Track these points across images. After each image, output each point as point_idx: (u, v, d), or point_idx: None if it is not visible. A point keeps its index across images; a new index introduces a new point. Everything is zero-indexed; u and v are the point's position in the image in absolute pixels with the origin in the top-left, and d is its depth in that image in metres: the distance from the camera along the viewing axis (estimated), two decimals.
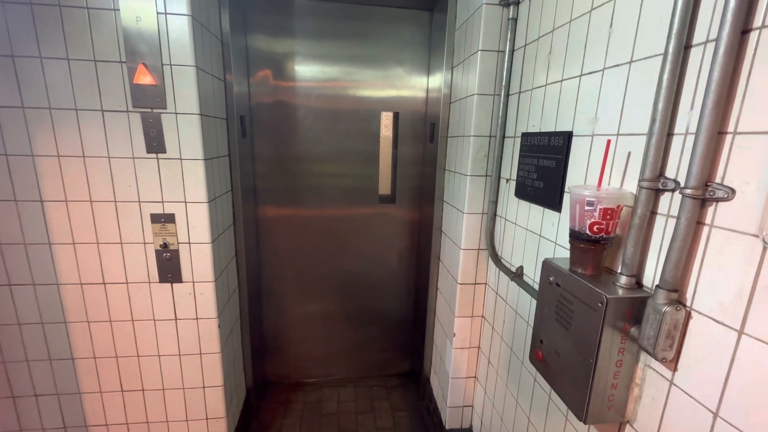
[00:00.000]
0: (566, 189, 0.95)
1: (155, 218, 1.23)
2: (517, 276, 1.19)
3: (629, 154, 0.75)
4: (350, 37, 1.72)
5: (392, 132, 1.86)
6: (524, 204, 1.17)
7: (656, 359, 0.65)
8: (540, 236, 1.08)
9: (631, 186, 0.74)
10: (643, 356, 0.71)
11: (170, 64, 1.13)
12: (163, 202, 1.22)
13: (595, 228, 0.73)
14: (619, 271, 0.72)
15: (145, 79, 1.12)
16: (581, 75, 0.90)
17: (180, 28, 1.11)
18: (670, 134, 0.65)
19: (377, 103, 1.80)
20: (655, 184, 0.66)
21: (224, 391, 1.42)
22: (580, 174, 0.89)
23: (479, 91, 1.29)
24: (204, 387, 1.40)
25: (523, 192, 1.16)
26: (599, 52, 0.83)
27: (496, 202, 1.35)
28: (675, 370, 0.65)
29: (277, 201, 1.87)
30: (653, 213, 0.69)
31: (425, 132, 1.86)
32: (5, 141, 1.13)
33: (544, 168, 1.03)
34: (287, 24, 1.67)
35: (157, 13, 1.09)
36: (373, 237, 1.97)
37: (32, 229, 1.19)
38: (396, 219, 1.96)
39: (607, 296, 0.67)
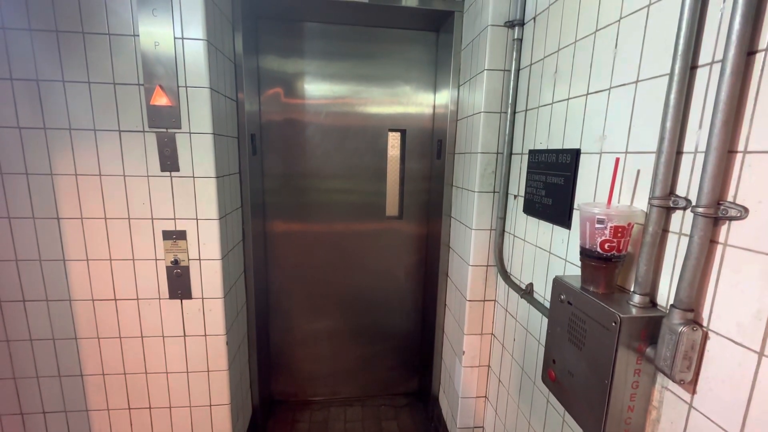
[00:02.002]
0: (575, 206, 0.95)
1: (167, 235, 1.25)
2: (527, 293, 1.18)
3: (638, 171, 0.75)
4: (358, 57, 1.76)
5: (399, 150, 1.89)
6: (533, 220, 1.17)
7: (674, 381, 0.63)
8: (550, 253, 1.07)
9: (642, 203, 0.74)
10: (660, 378, 0.69)
11: (186, 86, 1.17)
12: (175, 219, 1.24)
13: (606, 246, 0.73)
14: (632, 289, 0.72)
15: (161, 100, 1.16)
16: (587, 94, 0.91)
17: (196, 52, 1.15)
18: (679, 152, 0.66)
19: (385, 121, 1.83)
20: (666, 202, 0.66)
21: (231, 410, 1.40)
22: (589, 191, 0.89)
23: (486, 109, 1.31)
24: (211, 405, 1.38)
25: (531, 208, 1.16)
26: (605, 71, 0.84)
27: (504, 218, 1.35)
28: (694, 392, 0.63)
29: (286, 217, 1.89)
30: (665, 231, 0.68)
31: (432, 149, 1.88)
32: (27, 161, 1.17)
33: (552, 185, 1.03)
34: (297, 46, 1.73)
35: (175, 38, 1.14)
36: (381, 253, 1.97)
37: (48, 245, 1.22)
38: (403, 235, 1.96)
39: (621, 315, 0.66)
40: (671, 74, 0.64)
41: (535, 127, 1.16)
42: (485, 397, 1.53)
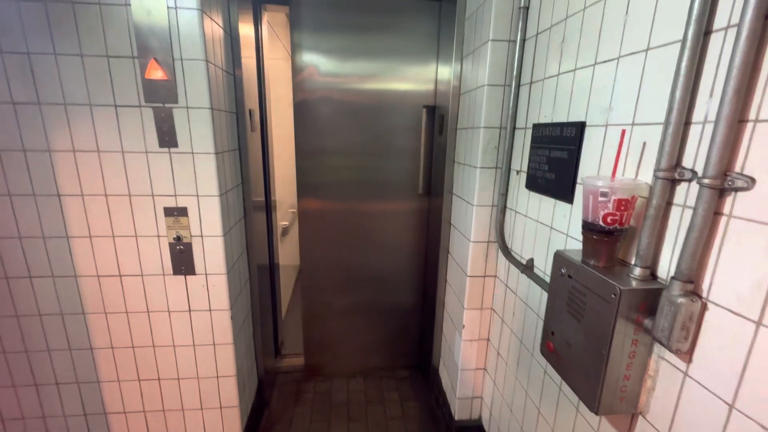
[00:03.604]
0: (579, 180, 0.94)
1: (168, 212, 1.25)
2: (528, 268, 1.19)
3: (644, 144, 0.73)
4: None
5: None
6: (535, 196, 1.16)
7: (670, 351, 0.64)
8: (551, 228, 1.07)
9: (647, 177, 0.73)
10: (657, 348, 0.71)
11: (181, 59, 1.13)
12: (176, 195, 1.24)
13: (608, 219, 0.72)
14: (633, 262, 0.72)
15: (156, 73, 1.13)
16: (595, 64, 0.88)
17: (190, 22, 1.11)
18: (687, 123, 0.64)
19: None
20: (672, 174, 0.65)
21: (237, 381, 1.45)
22: (593, 165, 0.88)
23: (489, 82, 1.27)
24: (218, 376, 1.43)
25: (534, 184, 1.15)
26: (614, 40, 0.81)
27: (506, 195, 1.34)
28: (690, 361, 0.64)
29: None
30: (669, 204, 0.68)
31: (433, 124, 1.85)
32: (23, 137, 1.15)
33: (555, 159, 1.02)
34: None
35: (168, 7, 1.10)
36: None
37: (50, 222, 1.22)
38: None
39: (621, 288, 0.67)
40: (684, 40, 0.61)
41: (540, 100, 1.13)
42: (484, 369, 1.58)
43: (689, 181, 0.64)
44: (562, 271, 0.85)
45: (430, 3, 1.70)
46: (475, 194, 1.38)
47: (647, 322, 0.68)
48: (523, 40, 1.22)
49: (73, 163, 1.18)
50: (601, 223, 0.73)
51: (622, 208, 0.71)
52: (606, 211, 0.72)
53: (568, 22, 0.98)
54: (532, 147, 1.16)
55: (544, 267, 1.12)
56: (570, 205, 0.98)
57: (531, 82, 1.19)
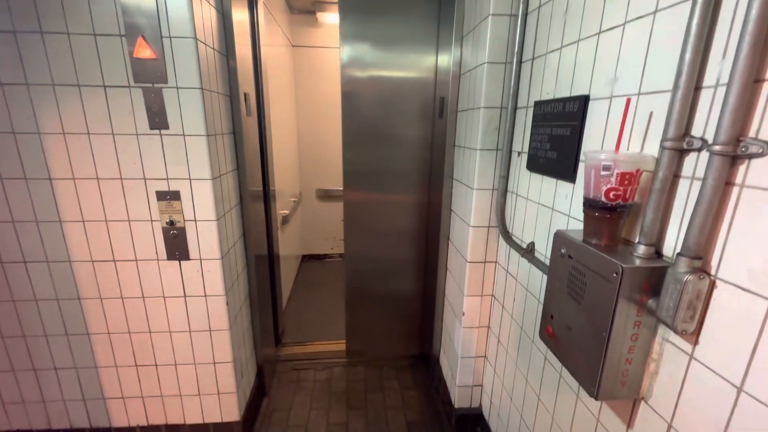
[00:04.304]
0: (582, 158, 0.89)
1: (161, 195, 1.22)
2: (528, 252, 1.15)
3: (651, 114, 0.69)
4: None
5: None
6: (536, 177, 1.11)
7: (675, 332, 0.61)
8: (553, 210, 1.03)
9: (653, 149, 0.68)
10: (661, 329, 0.67)
11: (170, 37, 1.10)
12: (168, 179, 1.21)
13: (611, 195, 0.68)
14: (637, 240, 0.68)
15: (144, 52, 1.10)
16: (600, 32, 0.83)
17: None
18: (698, 88, 0.59)
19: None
20: (680, 143, 0.61)
21: (234, 367, 1.44)
22: (597, 140, 0.84)
23: (490, 60, 1.22)
24: (215, 363, 1.42)
25: (535, 164, 1.10)
26: (620, 4, 0.76)
27: (507, 177, 1.30)
28: (696, 343, 0.60)
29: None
30: (676, 176, 0.63)
31: (434, 107, 1.80)
32: (12, 118, 1.13)
33: (557, 137, 0.97)
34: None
35: None
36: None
37: (43, 206, 1.21)
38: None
39: (623, 266, 0.63)
40: None
41: (542, 76, 1.08)
42: (484, 356, 1.55)
43: (698, 150, 0.59)
44: (562, 251, 0.81)
45: None
46: (474, 178, 1.33)
47: (651, 302, 0.64)
48: (525, 14, 1.16)
49: (63, 145, 1.16)
50: (603, 199, 0.69)
51: (626, 182, 0.67)
52: (608, 186, 0.68)
53: None
54: (533, 126, 1.11)
55: (545, 250, 1.08)
56: (572, 185, 0.93)
57: (533, 58, 1.13)
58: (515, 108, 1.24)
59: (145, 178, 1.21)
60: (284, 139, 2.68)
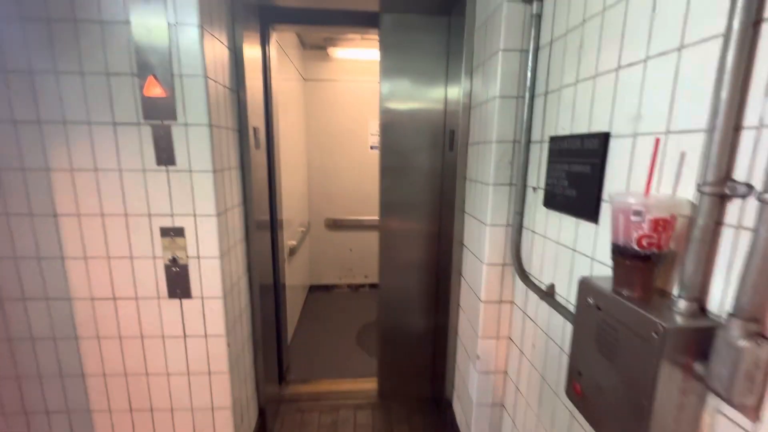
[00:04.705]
0: (604, 197, 0.84)
1: (165, 232, 1.20)
2: (548, 295, 1.07)
3: (683, 155, 0.63)
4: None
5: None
6: (554, 215, 1.05)
7: (731, 405, 0.52)
8: (574, 251, 0.96)
9: (687, 192, 0.62)
10: (713, 399, 0.58)
11: (180, 75, 1.11)
12: (172, 215, 1.19)
13: (644, 242, 0.62)
14: (675, 293, 0.60)
15: (155, 90, 1.10)
16: (618, 68, 0.79)
17: (190, 39, 1.09)
18: (738, 128, 0.54)
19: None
20: (721, 189, 0.55)
21: (233, 413, 1.35)
22: (621, 180, 0.78)
23: (501, 94, 1.20)
24: (213, 408, 1.34)
25: (552, 201, 1.05)
26: (640, 40, 0.73)
27: (522, 213, 1.24)
28: (757, 419, 0.52)
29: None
30: (719, 224, 0.57)
31: (444, 140, 1.78)
32: (23, 155, 1.14)
33: (576, 174, 0.92)
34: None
35: (168, 24, 1.08)
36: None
37: (46, 243, 1.19)
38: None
39: (665, 325, 0.56)
40: (727, 32, 0.52)
41: (557, 111, 1.04)
42: (502, 405, 1.43)
43: (744, 197, 0.53)
44: (589, 301, 0.73)
45: (440, 18, 1.66)
46: (488, 213, 1.28)
47: (698, 367, 0.56)
48: (537, 49, 1.14)
49: (70, 182, 1.16)
50: (634, 246, 0.63)
51: (660, 228, 0.61)
52: (640, 232, 0.62)
53: (586, 27, 0.90)
54: (550, 162, 1.06)
55: (566, 294, 1.00)
56: (595, 225, 0.87)
57: (546, 93, 1.10)
58: (528, 142, 1.20)
59: (149, 214, 1.19)
60: (294, 168, 2.69)
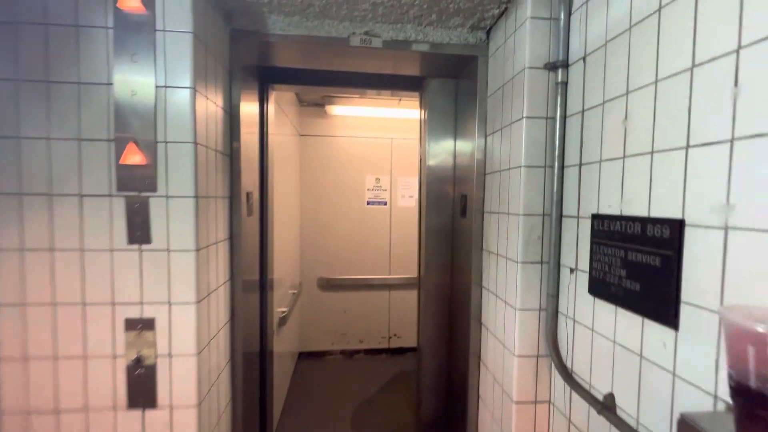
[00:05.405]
0: (684, 299, 0.68)
1: (131, 324, 0.98)
2: (607, 409, 0.86)
3: None
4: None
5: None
6: (606, 306, 0.88)
7: None
8: (641, 357, 0.78)
9: None
10: None
11: (165, 142, 0.96)
12: (142, 303, 0.98)
13: None
14: None
15: (134, 158, 0.95)
16: (688, 147, 0.67)
17: (181, 102, 0.96)
18: None
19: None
20: None
21: None
22: (711, 282, 0.63)
23: (527, 163, 1.08)
24: None
25: (603, 290, 0.88)
26: (719, 119, 0.62)
27: (557, 296, 1.07)
28: None
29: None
30: None
31: (453, 205, 1.65)
32: None
33: (639, 265, 0.77)
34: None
35: (156, 86, 0.96)
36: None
37: None
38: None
39: None
40: None
41: (598, 186, 0.92)
42: None
43: None
44: None
45: (447, 80, 1.61)
46: (517, 295, 1.10)
47: None
48: (564, 117, 1.05)
49: (17, 263, 0.95)
50: None
51: None
52: None
53: (633, 98, 0.81)
54: (594, 243, 0.91)
55: (633, 410, 0.80)
56: (673, 332, 0.70)
57: (581, 164, 0.99)
58: (560, 216, 1.06)
59: (113, 303, 0.97)
60: (287, 228, 2.52)
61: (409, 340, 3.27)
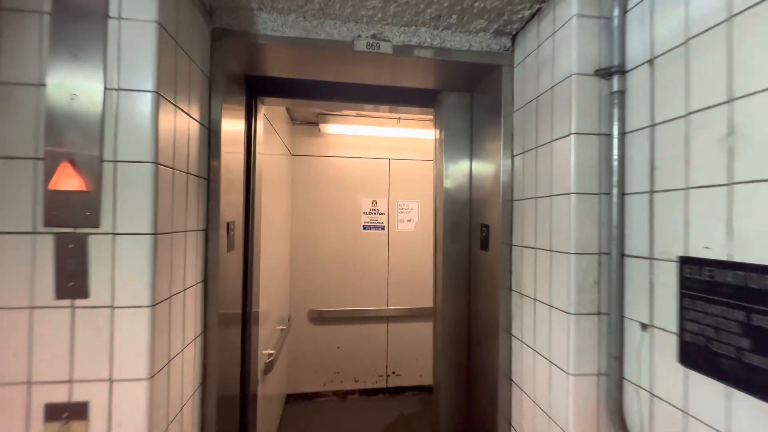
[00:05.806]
0: None
1: (54, 412, 0.70)
2: None
3: None
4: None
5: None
6: (710, 385, 0.66)
7: None
8: None
9: None
10: None
11: (114, 161, 0.72)
12: (71, 381, 0.71)
13: None
14: None
15: (69, 182, 0.70)
16: None
17: (138, 110, 0.73)
18: None
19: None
20: None
21: None
22: None
23: (578, 189, 0.87)
24: None
25: (707, 363, 0.66)
26: None
27: (621, 359, 0.84)
28: None
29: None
30: None
31: (470, 235, 1.43)
32: None
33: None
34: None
35: (106, 88, 0.72)
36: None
37: None
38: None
39: None
40: None
41: (684, 219, 0.71)
42: None
43: None
44: None
45: (461, 95, 1.42)
46: (570, 356, 0.87)
47: None
48: (622, 134, 0.86)
49: None
50: None
51: None
52: None
53: (741, 106, 0.61)
54: (687, 296, 0.69)
55: None
56: None
57: (652, 191, 0.78)
58: (621, 255, 0.85)
59: (29, 382, 0.70)
60: (276, 258, 2.25)
61: (410, 378, 2.97)
